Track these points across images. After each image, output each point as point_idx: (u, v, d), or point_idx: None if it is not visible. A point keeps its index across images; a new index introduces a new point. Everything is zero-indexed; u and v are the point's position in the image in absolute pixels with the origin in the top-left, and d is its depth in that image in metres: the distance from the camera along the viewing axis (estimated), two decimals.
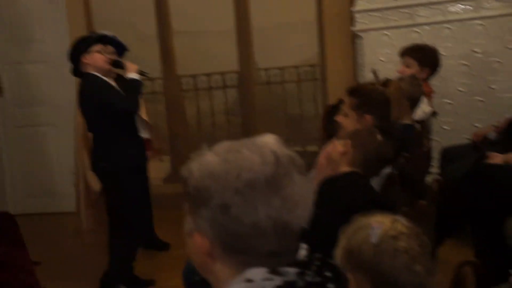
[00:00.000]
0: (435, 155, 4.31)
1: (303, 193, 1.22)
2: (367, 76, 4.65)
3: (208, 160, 1.23)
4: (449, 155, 4.27)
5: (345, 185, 2.45)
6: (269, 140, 1.27)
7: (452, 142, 4.56)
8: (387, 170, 2.81)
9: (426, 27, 4.73)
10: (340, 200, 2.35)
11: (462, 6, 4.67)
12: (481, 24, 4.64)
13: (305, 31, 5.36)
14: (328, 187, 2.41)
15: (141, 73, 3.76)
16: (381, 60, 4.79)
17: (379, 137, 2.56)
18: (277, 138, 1.29)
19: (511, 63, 4.58)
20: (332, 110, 3.58)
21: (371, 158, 2.52)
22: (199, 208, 1.21)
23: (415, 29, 4.74)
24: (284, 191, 1.19)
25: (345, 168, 2.54)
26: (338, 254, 1.69)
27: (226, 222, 1.18)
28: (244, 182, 1.18)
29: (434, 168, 4.29)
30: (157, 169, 5.40)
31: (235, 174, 1.18)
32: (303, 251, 1.26)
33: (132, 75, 3.71)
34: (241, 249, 1.19)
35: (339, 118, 3.05)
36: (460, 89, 4.78)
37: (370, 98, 2.92)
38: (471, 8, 4.66)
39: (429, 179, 4.08)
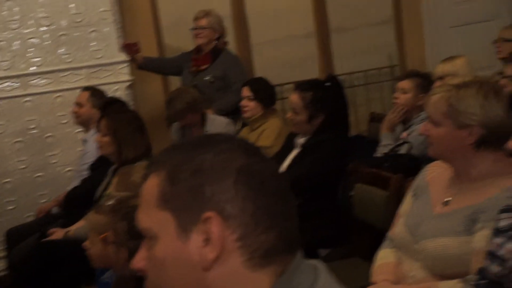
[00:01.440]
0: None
1: None
2: None
3: None
4: (15, 236, 4.12)
5: None
6: None
7: (18, 222, 4.42)
8: None
9: None
10: None
11: (9, 84, 4.61)
12: (30, 101, 4.64)
13: None
14: None
15: None
16: None
17: None
18: None
19: (66, 137, 4.68)
20: None
21: None
22: None
23: None
24: None
25: None
26: None
27: None
28: None
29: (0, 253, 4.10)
30: None
31: None
32: None
33: None
34: None
35: None
36: (20, 166, 4.67)
37: None
38: (18, 85, 4.63)
39: None
